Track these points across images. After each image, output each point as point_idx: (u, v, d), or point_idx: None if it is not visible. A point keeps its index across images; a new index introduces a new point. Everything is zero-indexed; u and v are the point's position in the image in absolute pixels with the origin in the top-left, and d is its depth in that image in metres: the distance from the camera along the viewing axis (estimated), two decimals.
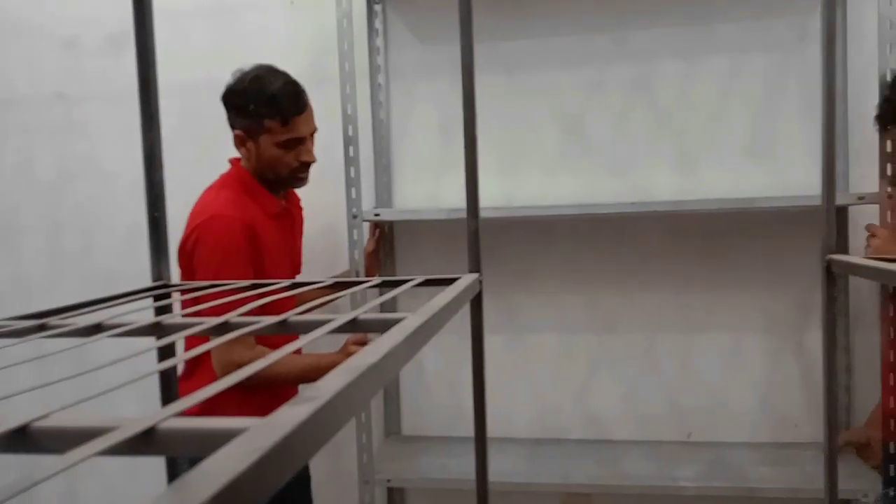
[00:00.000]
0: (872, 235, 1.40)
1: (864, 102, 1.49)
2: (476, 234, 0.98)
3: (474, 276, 0.95)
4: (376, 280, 0.93)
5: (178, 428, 0.32)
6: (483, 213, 1.54)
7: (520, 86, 1.75)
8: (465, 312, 0.81)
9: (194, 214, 1.39)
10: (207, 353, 1.31)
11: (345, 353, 1.44)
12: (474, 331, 1.00)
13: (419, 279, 0.86)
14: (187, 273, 1.36)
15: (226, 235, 1.34)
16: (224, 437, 0.29)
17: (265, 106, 1.37)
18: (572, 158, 1.74)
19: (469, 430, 0.91)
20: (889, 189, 1.39)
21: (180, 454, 0.33)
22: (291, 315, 0.62)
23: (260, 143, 1.41)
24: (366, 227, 1.66)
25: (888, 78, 1.37)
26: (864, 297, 1.63)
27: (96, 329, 0.62)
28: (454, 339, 1.16)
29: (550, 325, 1.79)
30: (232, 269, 1.29)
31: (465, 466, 1.17)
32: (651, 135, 1.72)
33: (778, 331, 1.70)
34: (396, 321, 0.54)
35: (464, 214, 0.98)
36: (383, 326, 0.55)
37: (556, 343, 1.79)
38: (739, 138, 1.69)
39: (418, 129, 1.81)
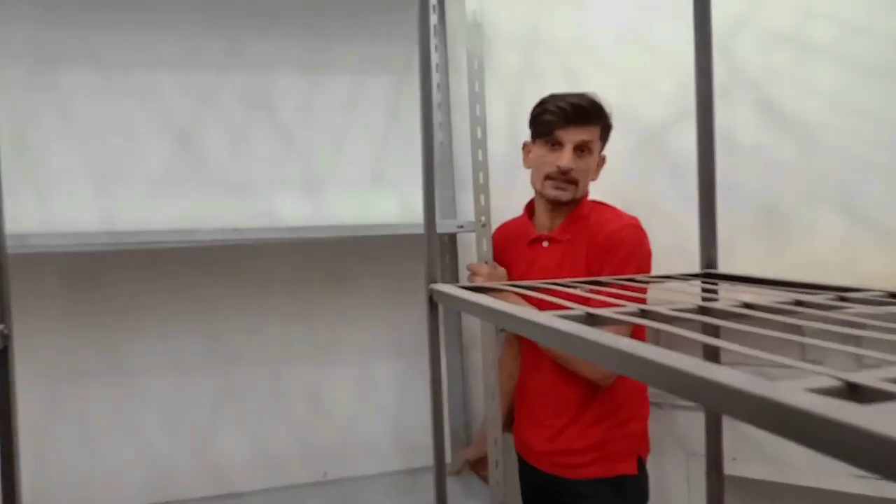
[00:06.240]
0: (474, 274, 1.42)
1: (464, 132, 1.49)
2: None
3: None
4: None
5: None
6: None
7: (116, 86, 1.49)
8: None
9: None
10: None
11: None
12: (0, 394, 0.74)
13: None
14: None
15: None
16: None
17: None
18: (183, 176, 1.53)
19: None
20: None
21: None
22: None
23: None
24: None
25: (477, 112, 1.42)
26: (473, 320, 1.70)
27: None
28: None
29: (162, 368, 1.54)
30: None
31: None
32: (273, 154, 1.60)
33: (405, 356, 1.71)
34: None
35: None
36: None
37: (170, 389, 1.55)
38: (363, 163, 1.66)
39: None
